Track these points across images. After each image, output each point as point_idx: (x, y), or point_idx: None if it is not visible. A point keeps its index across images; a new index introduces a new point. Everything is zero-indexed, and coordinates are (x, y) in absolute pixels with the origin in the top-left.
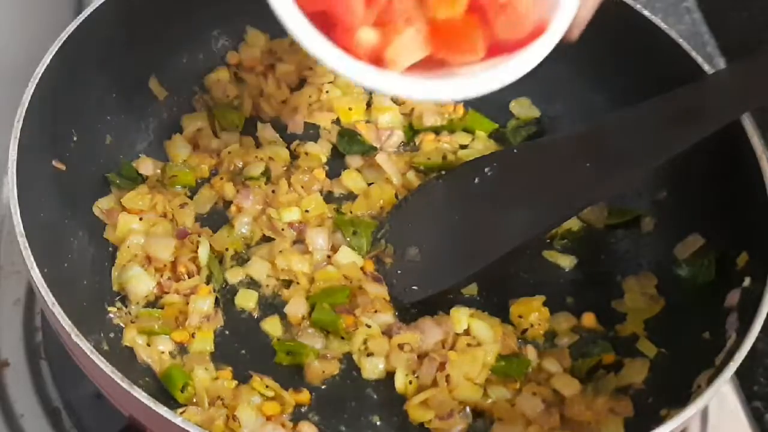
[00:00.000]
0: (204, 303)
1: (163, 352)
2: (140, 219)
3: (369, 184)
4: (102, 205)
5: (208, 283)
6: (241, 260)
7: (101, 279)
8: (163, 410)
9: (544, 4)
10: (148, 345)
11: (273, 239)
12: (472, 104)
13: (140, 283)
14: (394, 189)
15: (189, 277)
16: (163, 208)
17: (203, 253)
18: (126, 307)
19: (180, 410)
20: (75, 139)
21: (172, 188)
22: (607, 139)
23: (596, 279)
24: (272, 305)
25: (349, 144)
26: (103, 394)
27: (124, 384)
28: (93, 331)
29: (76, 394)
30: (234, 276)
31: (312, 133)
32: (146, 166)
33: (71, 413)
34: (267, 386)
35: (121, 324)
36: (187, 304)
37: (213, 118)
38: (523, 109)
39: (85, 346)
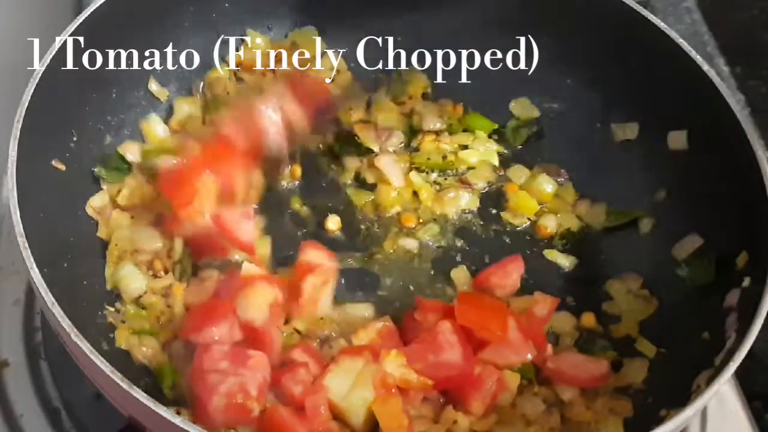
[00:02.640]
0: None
1: (157, 352)
2: (132, 217)
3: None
4: (94, 204)
5: (180, 279)
6: None
7: (100, 279)
8: (163, 411)
9: None
10: (143, 346)
11: None
12: (472, 105)
13: (132, 282)
14: (394, 191)
15: (165, 274)
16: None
17: (178, 245)
18: (121, 307)
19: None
20: (75, 139)
21: (151, 165)
22: None
23: (596, 279)
24: None
25: (346, 144)
26: (103, 394)
27: (124, 384)
28: (92, 332)
29: (75, 394)
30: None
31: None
32: (132, 150)
33: (71, 413)
34: None
35: (115, 325)
36: (168, 306)
37: (206, 110)
38: (522, 109)
39: (85, 346)
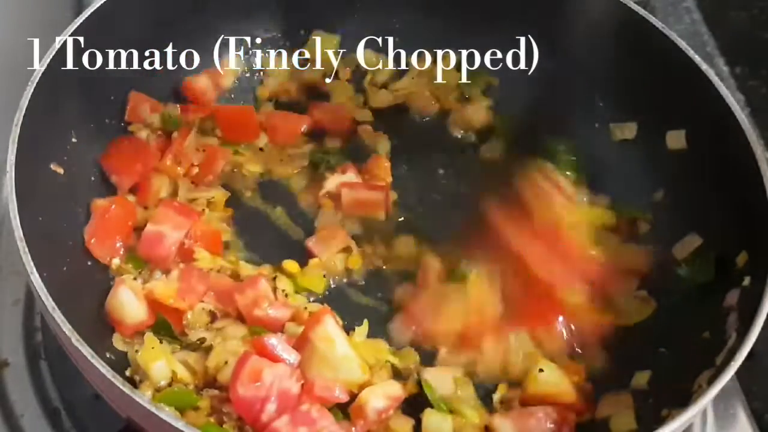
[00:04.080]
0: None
1: None
2: None
3: None
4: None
5: None
6: None
7: (99, 282)
8: (163, 414)
9: None
10: None
11: None
12: None
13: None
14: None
15: None
16: None
17: None
18: None
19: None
20: (74, 140)
21: None
22: None
23: None
24: None
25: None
26: (102, 396)
27: (126, 389)
28: (92, 335)
29: (75, 395)
30: None
31: None
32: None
33: (71, 413)
34: None
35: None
36: None
37: None
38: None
39: (86, 350)
